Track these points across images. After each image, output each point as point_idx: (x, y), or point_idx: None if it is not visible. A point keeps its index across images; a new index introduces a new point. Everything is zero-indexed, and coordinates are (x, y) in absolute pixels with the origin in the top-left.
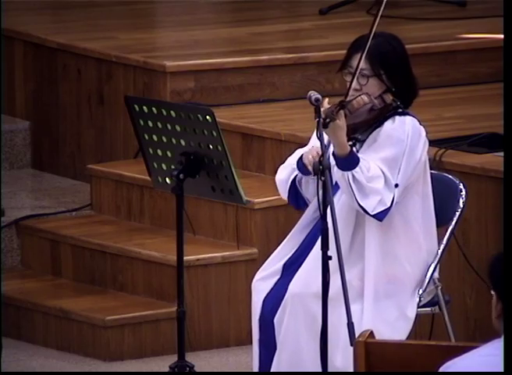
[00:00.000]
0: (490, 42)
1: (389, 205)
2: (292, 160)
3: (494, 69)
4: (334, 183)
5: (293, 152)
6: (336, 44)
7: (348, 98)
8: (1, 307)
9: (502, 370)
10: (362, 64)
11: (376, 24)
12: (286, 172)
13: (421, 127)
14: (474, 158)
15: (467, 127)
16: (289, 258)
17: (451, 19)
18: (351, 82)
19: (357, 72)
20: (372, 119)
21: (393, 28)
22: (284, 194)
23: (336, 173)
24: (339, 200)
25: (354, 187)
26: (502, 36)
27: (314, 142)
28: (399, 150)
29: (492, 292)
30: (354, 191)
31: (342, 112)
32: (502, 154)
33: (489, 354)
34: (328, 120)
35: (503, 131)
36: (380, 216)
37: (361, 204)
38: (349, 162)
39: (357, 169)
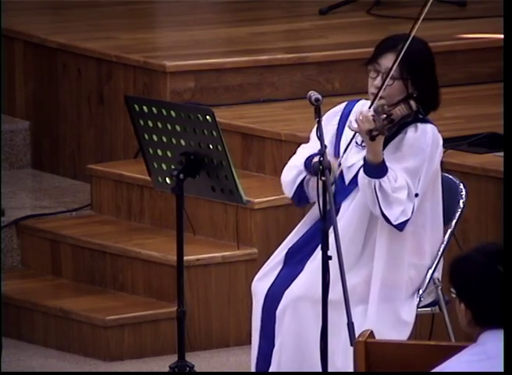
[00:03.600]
0: (490, 42)
1: (410, 215)
2: (296, 161)
3: (494, 69)
4: (347, 183)
5: (294, 152)
6: (336, 44)
7: (375, 105)
8: (1, 307)
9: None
10: (391, 65)
11: (417, 27)
12: (292, 174)
13: (439, 135)
14: (474, 158)
15: (467, 127)
16: (292, 246)
17: (451, 19)
18: (381, 85)
19: (390, 74)
20: (395, 125)
21: (393, 28)
22: (289, 194)
23: (361, 179)
24: (351, 204)
25: (380, 195)
26: (502, 36)
27: (315, 139)
28: (420, 160)
29: (453, 295)
30: (380, 199)
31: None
32: (502, 154)
33: (469, 360)
34: (377, 133)
35: (503, 131)
36: (401, 226)
37: (385, 213)
38: (379, 170)
39: (385, 178)
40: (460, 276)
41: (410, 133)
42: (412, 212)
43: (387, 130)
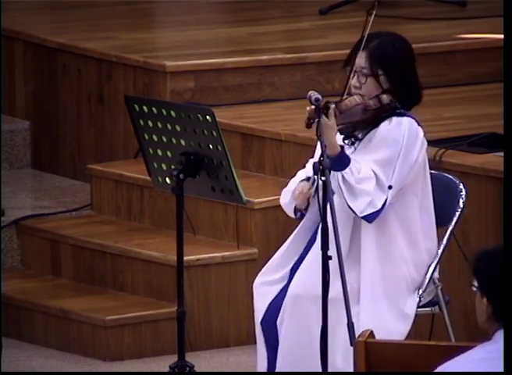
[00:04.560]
0: (490, 42)
1: (379, 207)
2: (291, 185)
3: (494, 69)
4: None
5: (294, 175)
6: (335, 44)
7: (344, 97)
8: (1, 307)
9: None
10: (363, 63)
11: (369, 27)
12: (289, 196)
13: (419, 128)
14: (474, 158)
15: (467, 127)
16: (296, 263)
17: (451, 19)
18: (347, 81)
19: (353, 70)
20: (369, 118)
21: (393, 28)
22: (291, 214)
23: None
24: (336, 202)
25: (344, 187)
26: (502, 36)
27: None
28: (393, 151)
29: (474, 288)
30: (344, 191)
31: (332, 111)
32: (502, 154)
33: (481, 357)
34: (310, 121)
35: (503, 131)
36: (369, 218)
37: (350, 205)
38: (339, 162)
39: (347, 170)
40: (486, 269)
41: (383, 125)
42: (384, 204)
43: (328, 115)
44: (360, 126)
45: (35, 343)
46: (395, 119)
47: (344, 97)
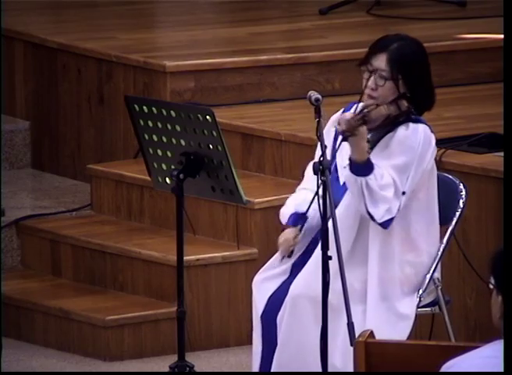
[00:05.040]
0: (490, 42)
1: (395, 213)
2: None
3: (494, 69)
4: (342, 183)
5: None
6: (336, 44)
7: (366, 109)
8: (1, 307)
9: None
10: (383, 66)
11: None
12: (284, 220)
13: (432, 135)
14: (474, 158)
15: (467, 127)
16: (298, 258)
17: (451, 19)
18: (366, 81)
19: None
20: (387, 124)
21: (393, 28)
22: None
23: (349, 178)
24: (344, 202)
25: (366, 193)
26: (502, 36)
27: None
28: (410, 158)
29: (491, 286)
30: (366, 197)
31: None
32: (502, 154)
33: (490, 356)
34: (348, 134)
35: (503, 131)
36: (386, 224)
37: (370, 211)
38: (365, 168)
39: (372, 175)
40: (504, 268)
41: (401, 131)
42: (398, 210)
43: (367, 129)
44: (376, 130)
45: (35, 343)
46: (412, 125)
47: (370, 107)
